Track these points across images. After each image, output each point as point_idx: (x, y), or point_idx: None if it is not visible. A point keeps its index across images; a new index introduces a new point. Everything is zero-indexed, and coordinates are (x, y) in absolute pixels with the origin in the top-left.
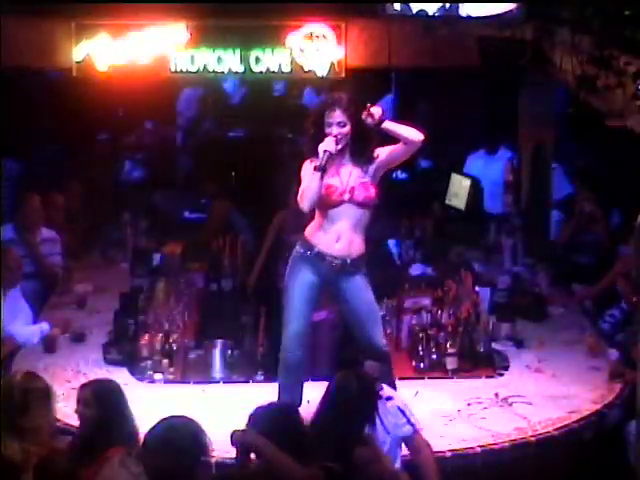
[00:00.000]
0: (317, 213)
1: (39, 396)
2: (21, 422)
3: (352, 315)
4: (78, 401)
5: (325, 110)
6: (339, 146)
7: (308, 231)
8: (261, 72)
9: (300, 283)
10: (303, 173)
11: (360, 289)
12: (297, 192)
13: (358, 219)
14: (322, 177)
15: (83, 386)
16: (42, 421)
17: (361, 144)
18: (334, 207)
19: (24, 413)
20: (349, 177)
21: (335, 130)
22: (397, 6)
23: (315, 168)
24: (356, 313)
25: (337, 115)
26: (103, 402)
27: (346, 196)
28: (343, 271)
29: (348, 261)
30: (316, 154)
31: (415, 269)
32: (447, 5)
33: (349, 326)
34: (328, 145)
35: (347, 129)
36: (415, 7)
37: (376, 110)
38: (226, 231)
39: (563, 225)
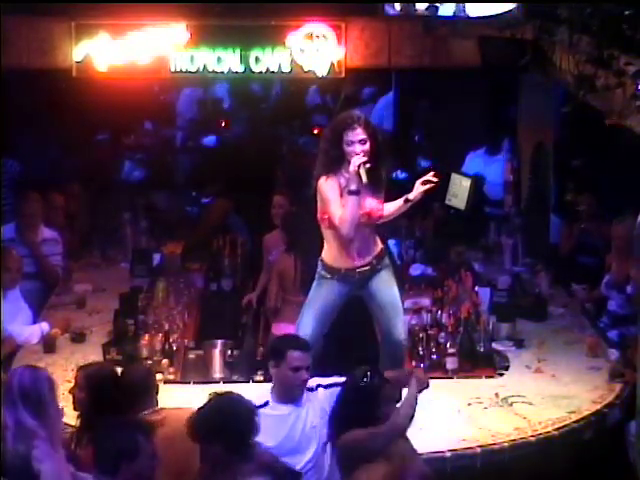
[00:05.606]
0: (330, 236)
1: None
2: None
3: (376, 308)
4: (74, 385)
5: (344, 129)
6: (368, 165)
7: (327, 256)
8: (261, 72)
9: (321, 300)
10: (327, 193)
11: (384, 282)
12: (322, 210)
13: (372, 229)
14: (359, 199)
15: (79, 369)
16: None
17: (378, 161)
18: None
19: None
20: (364, 200)
21: (358, 148)
22: (397, 6)
23: (350, 192)
24: (379, 306)
25: (358, 133)
26: (94, 385)
27: (362, 219)
28: (370, 272)
29: (374, 262)
30: (330, 172)
31: (415, 269)
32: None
33: (373, 317)
34: (360, 168)
35: (368, 146)
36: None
37: None
38: (225, 231)
39: (563, 230)
